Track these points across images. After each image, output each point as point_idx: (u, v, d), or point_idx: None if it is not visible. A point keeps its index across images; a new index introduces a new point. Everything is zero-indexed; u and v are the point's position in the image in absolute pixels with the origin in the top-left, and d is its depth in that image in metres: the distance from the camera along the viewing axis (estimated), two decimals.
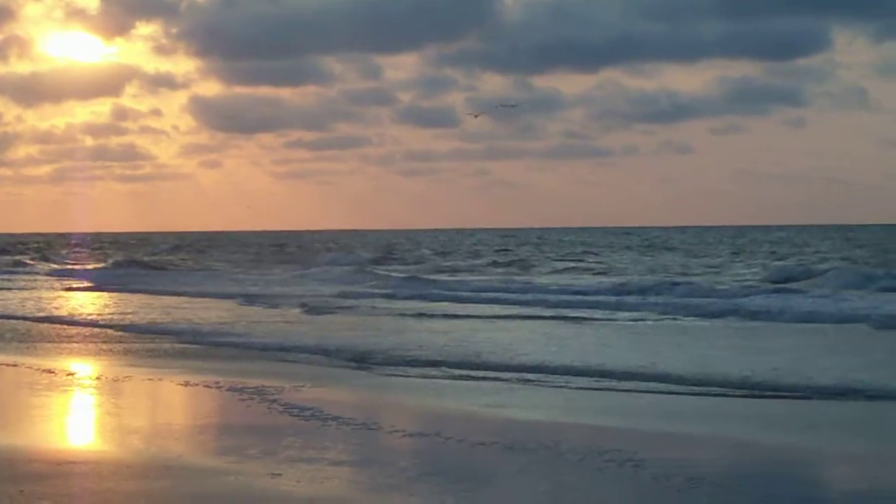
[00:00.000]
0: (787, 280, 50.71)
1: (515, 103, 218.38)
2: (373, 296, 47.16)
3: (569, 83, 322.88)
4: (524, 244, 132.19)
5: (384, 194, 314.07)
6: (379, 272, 65.43)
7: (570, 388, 19.81)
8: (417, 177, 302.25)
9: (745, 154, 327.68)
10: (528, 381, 20.58)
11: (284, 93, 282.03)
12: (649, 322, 33.85)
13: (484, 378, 21.15)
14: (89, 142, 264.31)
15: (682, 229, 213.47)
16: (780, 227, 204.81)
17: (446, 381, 20.90)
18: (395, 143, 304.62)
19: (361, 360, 24.09)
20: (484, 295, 46.48)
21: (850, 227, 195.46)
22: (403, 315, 36.88)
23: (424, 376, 21.62)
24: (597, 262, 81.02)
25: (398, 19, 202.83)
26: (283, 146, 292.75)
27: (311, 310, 39.45)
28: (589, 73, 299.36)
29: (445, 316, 36.23)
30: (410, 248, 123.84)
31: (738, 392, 18.91)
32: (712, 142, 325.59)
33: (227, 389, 19.54)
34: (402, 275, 63.51)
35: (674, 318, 34.76)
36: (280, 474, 12.50)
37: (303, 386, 19.86)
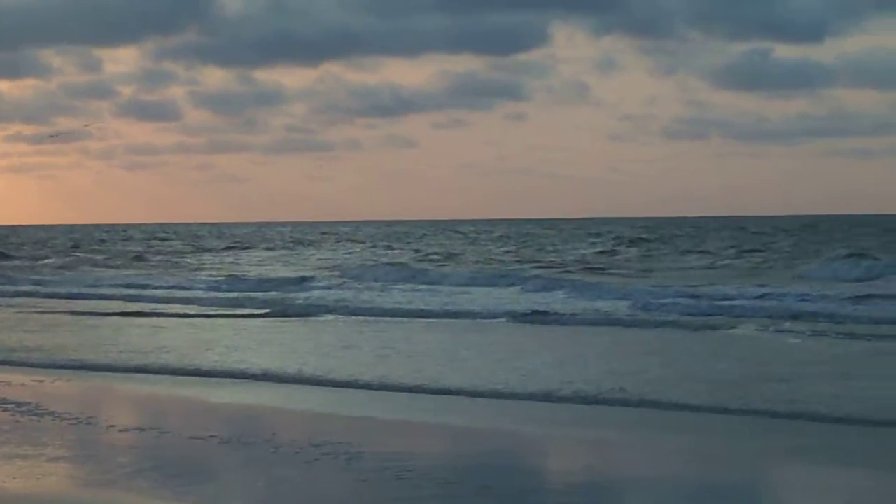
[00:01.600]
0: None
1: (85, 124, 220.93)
2: None
3: (291, 77, 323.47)
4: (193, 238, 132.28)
5: (107, 188, 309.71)
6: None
7: (289, 383, 19.94)
8: (140, 170, 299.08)
9: (469, 148, 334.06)
10: (243, 377, 20.64)
11: (2, 86, 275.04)
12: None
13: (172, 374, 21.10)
14: None
15: (394, 223, 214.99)
16: (506, 221, 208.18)
17: (161, 377, 20.76)
18: (116, 136, 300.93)
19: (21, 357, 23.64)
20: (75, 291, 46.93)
21: (568, 221, 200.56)
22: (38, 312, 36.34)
23: (133, 372, 21.47)
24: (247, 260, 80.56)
25: (116, 12, 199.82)
26: (1, 140, 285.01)
27: None
28: (310, 67, 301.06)
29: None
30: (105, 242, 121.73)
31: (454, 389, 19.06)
32: (436, 136, 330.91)
33: None
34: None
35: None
36: None
37: (14, 382, 19.54)
